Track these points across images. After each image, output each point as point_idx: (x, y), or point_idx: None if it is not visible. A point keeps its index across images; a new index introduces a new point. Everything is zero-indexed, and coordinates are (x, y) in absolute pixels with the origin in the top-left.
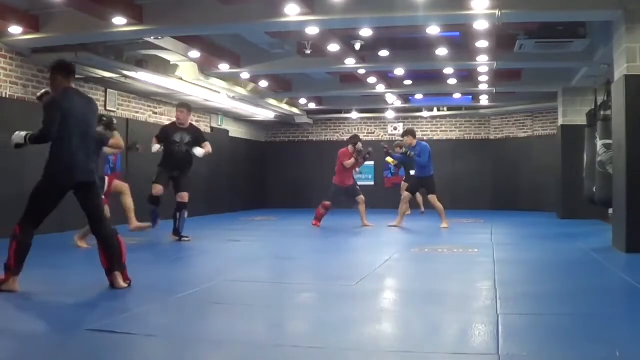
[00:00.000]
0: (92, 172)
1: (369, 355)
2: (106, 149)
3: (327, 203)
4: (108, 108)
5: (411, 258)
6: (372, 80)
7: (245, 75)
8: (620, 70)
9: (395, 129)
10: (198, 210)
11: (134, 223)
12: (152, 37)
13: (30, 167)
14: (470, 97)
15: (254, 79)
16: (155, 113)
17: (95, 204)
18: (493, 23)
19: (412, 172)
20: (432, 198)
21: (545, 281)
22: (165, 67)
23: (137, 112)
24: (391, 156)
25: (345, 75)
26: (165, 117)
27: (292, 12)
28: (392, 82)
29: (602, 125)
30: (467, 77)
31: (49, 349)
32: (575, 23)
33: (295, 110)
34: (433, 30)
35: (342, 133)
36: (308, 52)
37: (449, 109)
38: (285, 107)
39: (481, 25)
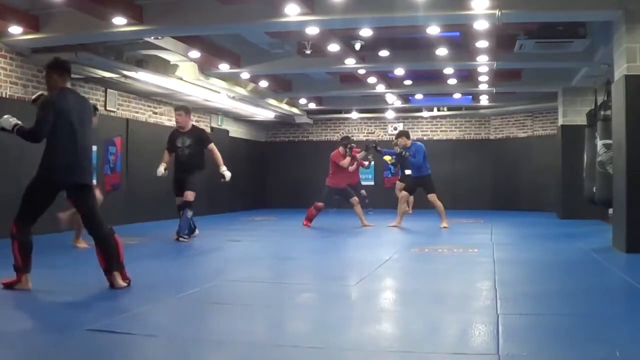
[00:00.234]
0: (88, 173)
1: (369, 355)
2: None
3: (320, 204)
4: (108, 108)
5: (411, 258)
6: (372, 80)
7: (245, 75)
8: (620, 70)
9: (395, 129)
10: (198, 211)
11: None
12: (152, 37)
13: (29, 167)
14: (470, 97)
15: (254, 79)
16: (155, 113)
17: (89, 205)
18: (493, 23)
19: (407, 172)
20: (432, 197)
21: (545, 281)
22: (165, 67)
23: (137, 112)
24: (382, 153)
25: (345, 75)
26: (165, 117)
27: (292, 12)
28: (392, 82)
29: (602, 125)
30: (467, 77)
31: (49, 349)
32: (575, 23)
33: (295, 110)
34: (433, 30)
35: (342, 133)
36: (308, 52)
37: (449, 109)
38: (285, 107)
39: (481, 25)
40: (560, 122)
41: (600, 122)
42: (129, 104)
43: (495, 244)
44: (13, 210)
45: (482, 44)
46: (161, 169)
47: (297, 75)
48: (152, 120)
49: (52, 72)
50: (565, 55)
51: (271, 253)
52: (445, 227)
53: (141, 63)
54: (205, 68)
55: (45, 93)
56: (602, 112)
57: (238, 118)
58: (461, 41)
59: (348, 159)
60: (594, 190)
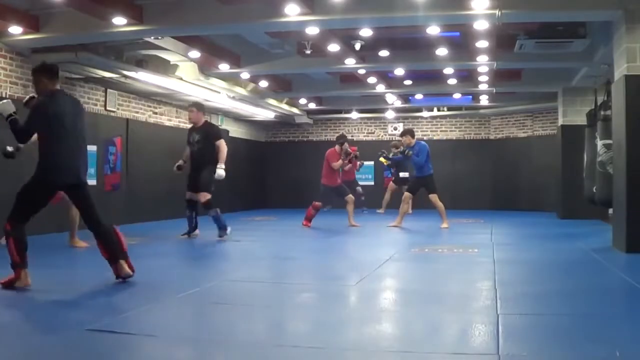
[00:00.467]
0: (83, 172)
1: (369, 355)
2: None
3: (318, 203)
4: (108, 108)
5: (411, 258)
6: (372, 80)
7: (245, 75)
8: (620, 70)
9: (395, 129)
10: (198, 210)
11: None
12: (152, 37)
13: (29, 168)
14: (470, 97)
15: (254, 79)
16: (155, 113)
17: (87, 202)
18: (493, 23)
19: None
20: (433, 197)
21: (545, 281)
22: (165, 67)
23: (137, 112)
24: (388, 158)
25: (345, 75)
26: (165, 117)
27: (292, 12)
28: (392, 82)
29: (602, 125)
30: (467, 77)
31: (48, 349)
32: (575, 23)
33: (295, 110)
34: (433, 30)
35: (343, 133)
36: (308, 52)
37: (449, 109)
38: (285, 107)
39: (481, 25)
40: (560, 122)
41: (600, 122)
42: (129, 104)
43: (495, 244)
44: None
45: (482, 44)
46: (176, 165)
47: (297, 75)
48: (152, 120)
49: (42, 76)
50: (565, 55)
51: (271, 253)
52: (445, 228)
53: (141, 63)
54: (205, 68)
55: (36, 96)
56: (602, 112)
57: (238, 118)
58: (461, 41)
59: (340, 162)
60: (594, 190)
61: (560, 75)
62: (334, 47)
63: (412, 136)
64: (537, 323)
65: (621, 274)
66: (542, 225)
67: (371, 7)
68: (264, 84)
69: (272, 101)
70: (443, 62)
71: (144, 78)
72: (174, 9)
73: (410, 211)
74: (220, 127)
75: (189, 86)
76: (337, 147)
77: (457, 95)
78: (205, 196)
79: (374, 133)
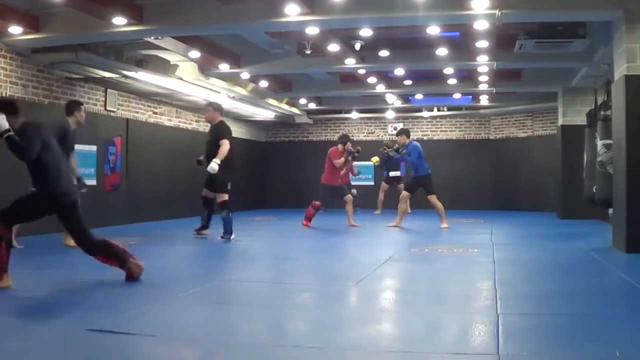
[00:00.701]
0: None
1: (369, 355)
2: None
3: (317, 203)
4: (108, 108)
5: (411, 258)
6: (372, 80)
7: (245, 75)
8: (620, 70)
9: (395, 129)
10: (198, 211)
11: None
12: (152, 37)
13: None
14: (470, 97)
15: (254, 79)
16: (155, 113)
17: (77, 221)
18: (493, 23)
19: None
20: (432, 198)
21: (545, 281)
22: (165, 67)
23: (137, 112)
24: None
25: (345, 75)
26: (165, 117)
27: (292, 12)
28: (392, 82)
29: (602, 125)
30: (467, 77)
31: (48, 349)
32: (575, 23)
33: (295, 110)
34: (433, 30)
35: (343, 133)
36: (308, 52)
37: (449, 109)
38: (285, 107)
39: (481, 25)
40: (560, 122)
41: (600, 122)
42: (129, 104)
43: (495, 244)
44: None
45: (482, 44)
46: (197, 159)
47: (297, 75)
48: (152, 120)
49: (6, 115)
50: (565, 55)
51: (271, 253)
52: (445, 228)
53: (141, 63)
54: (205, 68)
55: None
56: (602, 112)
57: (238, 118)
58: (461, 41)
59: (342, 159)
60: (594, 190)
61: (560, 75)
62: (334, 47)
63: (408, 136)
64: (537, 323)
65: (621, 274)
66: (542, 225)
67: (371, 7)
68: (264, 84)
69: (272, 101)
70: (443, 62)
71: (144, 78)
72: (174, 9)
73: (409, 210)
74: None
75: (189, 86)
76: (339, 146)
77: (457, 95)
78: (221, 197)
79: (374, 133)
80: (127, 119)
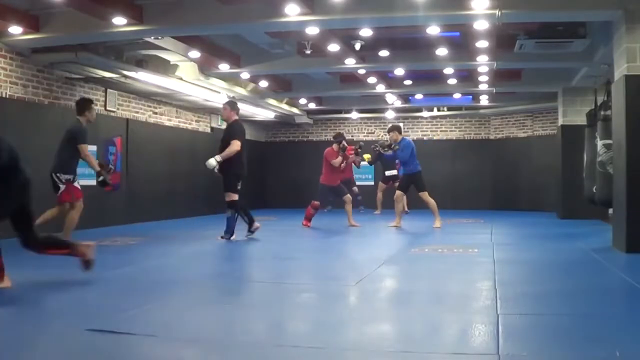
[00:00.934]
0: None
1: (369, 355)
2: None
3: (316, 203)
4: (108, 108)
5: (411, 258)
6: (372, 80)
7: (245, 75)
8: (620, 70)
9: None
10: (198, 211)
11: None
12: (152, 37)
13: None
14: (470, 97)
15: (254, 79)
16: (155, 113)
17: (30, 219)
18: (493, 23)
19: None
20: (424, 195)
21: (545, 281)
22: (165, 67)
23: (137, 112)
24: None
25: (345, 75)
26: (165, 117)
27: (292, 12)
28: (392, 82)
29: (602, 125)
30: (467, 77)
31: (48, 349)
32: (575, 23)
33: (295, 110)
34: (433, 30)
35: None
36: (308, 52)
37: (449, 109)
38: (285, 107)
39: (481, 25)
40: (560, 122)
41: (600, 122)
42: (129, 104)
43: (495, 244)
44: None
45: (482, 44)
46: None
47: (297, 75)
48: (152, 120)
49: None
50: (565, 55)
51: (271, 253)
52: (437, 228)
53: (141, 63)
54: (205, 68)
55: None
56: (602, 112)
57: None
58: (461, 41)
59: (339, 159)
60: (594, 190)
61: (560, 75)
62: (334, 47)
63: (400, 132)
64: (537, 323)
65: (621, 274)
66: (542, 225)
67: (371, 7)
68: (264, 84)
69: (272, 101)
70: (443, 62)
71: (144, 78)
72: (174, 9)
73: (406, 209)
74: (220, 127)
75: (189, 86)
76: (334, 145)
77: (457, 95)
78: (230, 196)
79: (374, 133)
80: (127, 119)
